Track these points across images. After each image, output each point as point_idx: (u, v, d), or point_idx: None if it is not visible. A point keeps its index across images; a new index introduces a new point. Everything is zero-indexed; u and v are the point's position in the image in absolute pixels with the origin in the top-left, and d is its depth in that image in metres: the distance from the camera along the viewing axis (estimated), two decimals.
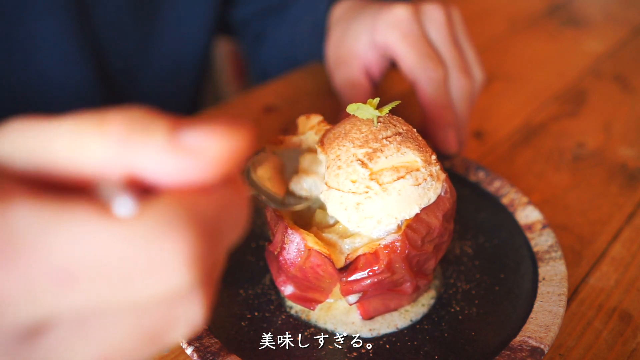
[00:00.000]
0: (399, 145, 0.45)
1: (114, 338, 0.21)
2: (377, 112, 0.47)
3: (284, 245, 0.45)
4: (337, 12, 0.75)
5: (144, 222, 0.20)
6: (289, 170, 0.48)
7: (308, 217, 0.50)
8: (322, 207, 0.48)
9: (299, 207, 0.47)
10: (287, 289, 0.47)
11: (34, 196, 0.19)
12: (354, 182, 0.44)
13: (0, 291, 0.19)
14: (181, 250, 0.20)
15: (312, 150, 0.50)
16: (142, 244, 0.20)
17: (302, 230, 0.45)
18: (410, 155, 0.45)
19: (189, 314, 0.22)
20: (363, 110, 0.47)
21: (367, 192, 0.44)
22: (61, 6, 0.72)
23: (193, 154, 0.21)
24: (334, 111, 0.77)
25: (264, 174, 0.46)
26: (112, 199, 0.20)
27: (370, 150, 0.45)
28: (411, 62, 0.63)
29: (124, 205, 0.20)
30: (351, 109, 0.48)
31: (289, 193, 0.47)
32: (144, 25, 0.83)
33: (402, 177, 0.44)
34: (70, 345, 0.20)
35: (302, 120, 0.53)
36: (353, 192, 0.44)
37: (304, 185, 0.47)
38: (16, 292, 0.19)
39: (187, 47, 0.90)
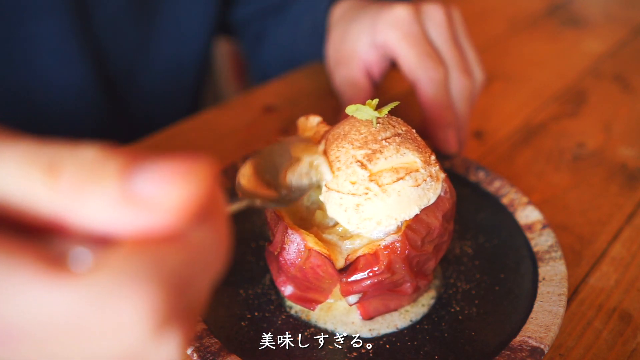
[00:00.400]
0: (398, 146, 0.45)
1: None
2: (376, 113, 0.47)
3: (284, 246, 0.45)
4: (337, 12, 0.75)
5: (99, 278, 0.18)
6: (283, 164, 0.47)
7: (308, 218, 0.50)
8: (322, 207, 0.48)
9: (302, 196, 0.46)
10: (287, 289, 0.47)
11: None
12: (353, 183, 0.44)
13: None
14: (140, 308, 0.19)
15: (303, 140, 0.50)
16: (96, 302, 0.18)
17: (302, 230, 0.45)
18: (409, 156, 0.45)
19: (163, 356, 0.20)
20: (362, 112, 0.47)
21: (366, 194, 0.44)
22: (61, 7, 0.72)
23: (148, 205, 0.19)
24: (334, 111, 0.77)
25: (243, 179, 0.44)
26: (66, 251, 0.19)
27: (369, 152, 0.45)
28: (411, 62, 0.63)
29: (79, 258, 0.19)
30: (350, 110, 0.47)
31: (288, 187, 0.46)
32: (143, 25, 0.83)
33: (402, 178, 0.44)
34: None
35: (301, 122, 0.53)
36: (352, 194, 0.44)
37: (302, 172, 0.46)
38: None
39: (187, 47, 0.90)
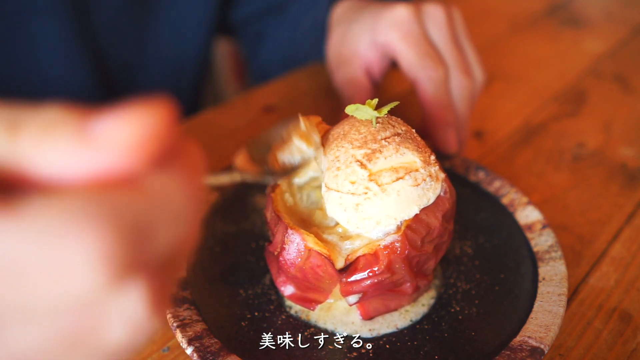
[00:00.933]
0: (397, 146, 0.45)
1: (29, 342, 0.19)
2: (375, 113, 0.47)
3: (284, 246, 0.45)
4: (338, 12, 0.76)
5: (46, 216, 0.18)
6: (275, 144, 0.47)
7: (309, 218, 0.50)
8: (322, 208, 0.48)
9: (294, 171, 0.46)
10: (287, 290, 0.47)
11: None
12: (353, 183, 0.44)
13: None
14: (91, 251, 0.18)
15: (292, 124, 0.49)
16: (41, 240, 0.17)
17: (302, 230, 0.45)
18: (409, 156, 0.45)
19: (125, 312, 0.20)
20: (362, 111, 0.47)
21: (366, 193, 0.44)
22: (60, 7, 0.72)
23: (102, 144, 0.19)
24: (334, 111, 0.77)
25: (237, 160, 0.44)
26: (17, 195, 0.18)
27: (369, 151, 0.45)
28: (412, 61, 0.63)
29: (30, 201, 0.18)
30: (350, 109, 0.47)
31: (279, 163, 0.45)
32: (142, 25, 0.83)
33: (401, 178, 0.44)
34: None
35: (301, 122, 0.53)
36: (352, 193, 0.44)
37: (295, 148, 0.45)
38: None
39: (186, 47, 0.90)
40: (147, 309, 0.20)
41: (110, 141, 0.19)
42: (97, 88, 0.81)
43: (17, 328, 0.19)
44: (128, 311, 0.20)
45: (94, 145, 0.19)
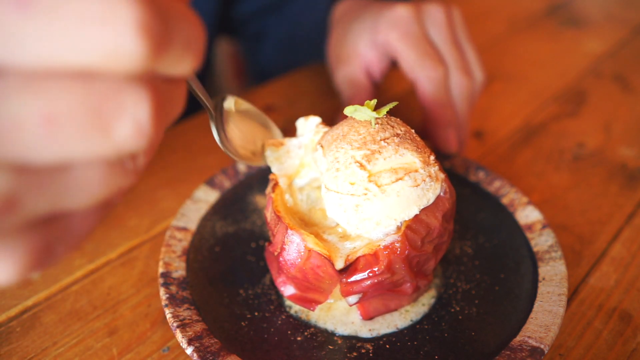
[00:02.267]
0: (397, 147, 0.45)
1: (60, 101, 0.20)
2: (374, 114, 0.47)
3: (284, 246, 0.45)
4: (339, 11, 0.76)
5: None
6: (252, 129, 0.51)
7: (309, 219, 0.49)
8: (322, 208, 0.48)
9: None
10: (287, 290, 0.47)
11: None
12: (352, 184, 0.44)
13: None
14: (133, 16, 0.20)
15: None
16: None
17: (303, 231, 0.45)
18: (408, 157, 0.45)
19: (135, 107, 0.22)
20: (360, 112, 0.47)
21: (365, 194, 0.44)
22: None
23: None
24: (334, 111, 0.77)
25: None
26: None
27: (368, 152, 0.45)
28: (412, 61, 0.63)
29: None
30: (349, 110, 0.47)
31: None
32: None
33: (401, 179, 0.44)
34: (15, 99, 0.20)
35: (300, 123, 0.53)
36: (352, 194, 0.44)
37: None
38: None
39: None
40: (150, 119, 0.22)
41: None
42: None
43: (54, 83, 0.20)
44: (137, 112, 0.22)
45: None
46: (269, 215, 0.48)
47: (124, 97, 0.21)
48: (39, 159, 0.21)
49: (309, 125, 0.53)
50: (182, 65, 0.24)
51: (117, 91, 0.21)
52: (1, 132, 0.20)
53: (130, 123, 0.22)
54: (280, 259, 0.46)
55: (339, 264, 0.45)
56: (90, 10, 0.20)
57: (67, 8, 0.19)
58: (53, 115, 0.20)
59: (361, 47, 0.68)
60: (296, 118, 0.55)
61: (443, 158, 0.64)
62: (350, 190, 0.44)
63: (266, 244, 0.50)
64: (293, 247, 0.45)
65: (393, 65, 0.70)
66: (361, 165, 0.44)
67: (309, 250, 0.44)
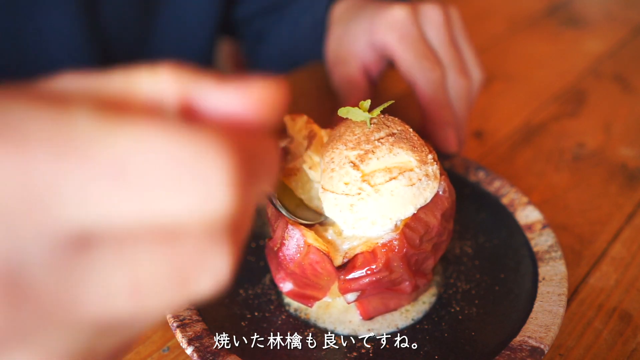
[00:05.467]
0: (391, 146, 0.45)
1: (147, 267, 0.20)
2: (368, 115, 0.47)
3: (284, 241, 0.45)
4: (337, 11, 0.76)
5: (195, 137, 0.20)
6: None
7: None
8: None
9: (310, 222, 0.48)
10: (286, 286, 0.47)
11: (94, 103, 0.19)
12: (346, 184, 0.45)
13: (51, 187, 0.18)
14: (224, 171, 0.20)
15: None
16: (191, 153, 0.19)
17: (302, 226, 0.45)
18: (403, 156, 0.45)
19: (216, 263, 0.21)
20: (354, 113, 0.47)
21: (359, 194, 0.44)
22: (70, 1, 0.73)
23: (239, 89, 0.22)
24: (334, 111, 0.77)
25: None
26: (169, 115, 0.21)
27: (361, 152, 0.45)
28: (409, 62, 0.63)
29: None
30: (342, 112, 0.48)
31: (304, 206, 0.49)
32: (148, 21, 0.84)
33: (395, 178, 0.44)
34: (109, 268, 0.20)
35: (288, 122, 0.53)
36: (346, 194, 0.44)
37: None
38: (68, 188, 0.18)
39: (190, 44, 0.90)
40: (227, 270, 0.22)
41: (246, 90, 0.23)
42: None
43: (141, 248, 0.20)
44: (218, 264, 0.21)
45: (233, 89, 0.22)
46: (269, 211, 0.49)
47: (206, 256, 0.21)
48: (117, 317, 0.20)
49: (298, 125, 0.52)
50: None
51: (200, 250, 0.21)
52: (90, 298, 0.19)
53: (209, 278, 0.21)
54: (280, 254, 0.46)
55: (338, 261, 0.45)
56: (182, 172, 0.19)
57: (158, 173, 0.19)
58: (140, 282, 0.20)
59: (358, 48, 0.68)
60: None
61: (443, 158, 0.64)
62: (344, 190, 0.45)
63: (267, 240, 0.50)
64: (293, 242, 0.45)
65: (390, 66, 0.70)
66: (355, 165, 0.45)
67: (309, 246, 0.44)
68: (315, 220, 0.48)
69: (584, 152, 0.75)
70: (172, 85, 0.22)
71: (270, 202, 0.46)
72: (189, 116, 0.22)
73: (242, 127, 0.22)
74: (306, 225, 0.46)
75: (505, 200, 0.59)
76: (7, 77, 0.75)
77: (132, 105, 0.21)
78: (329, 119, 0.56)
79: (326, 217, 0.48)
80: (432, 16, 0.66)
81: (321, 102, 0.82)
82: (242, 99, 0.23)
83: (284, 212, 0.46)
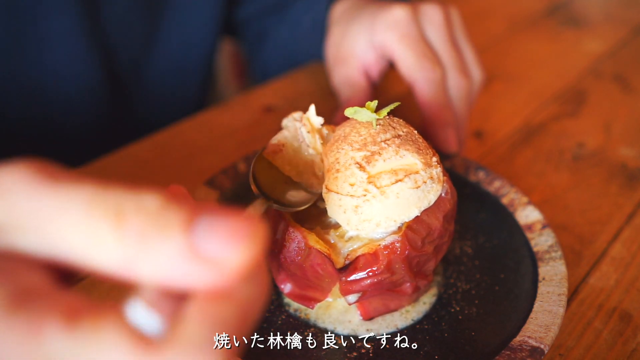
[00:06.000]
0: (397, 148, 0.45)
1: None
2: (375, 116, 0.47)
3: (285, 243, 0.45)
4: (337, 11, 0.76)
5: (172, 350, 0.20)
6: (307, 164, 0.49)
7: (311, 218, 0.50)
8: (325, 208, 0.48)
9: (303, 206, 0.47)
10: (287, 287, 0.47)
11: (65, 320, 0.19)
12: (352, 185, 0.44)
13: None
14: None
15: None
16: None
17: (304, 228, 0.45)
18: (409, 158, 0.45)
19: None
20: (361, 114, 0.47)
21: (365, 196, 0.44)
22: (72, 5, 0.73)
23: (211, 263, 0.21)
24: (334, 111, 0.77)
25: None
26: (138, 315, 0.20)
27: (368, 154, 0.45)
28: (409, 63, 0.63)
29: (150, 323, 0.20)
30: (349, 112, 0.48)
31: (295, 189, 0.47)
32: (151, 23, 0.84)
33: (401, 180, 0.44)
34: None
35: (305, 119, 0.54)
36: (351, 196, 0.44)
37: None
38: None
39: (193, 46, 0.90)
40: None
41: (218, 262, 0.21)
42: (104, 84, 0.81)
43: None
44: None
45: (203, 262, 0.21)
46: (271, 212, 0.48)
47: None
48: None
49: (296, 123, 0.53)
50: None
51: None
52: None
53: None
54: (281, 256, 0.46)
55: (339, 263, 0.45)
56: None
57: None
58: None
59: (358, 48, 0.68)
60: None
61: (443, 158, 0.64)
62: (349, 191, 0.44)
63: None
64: (294, 244, 0.45)
65: (391, 66, 0.70)
66: (361, 167, 0.44)
67: (310, 248, 0.44)
68: (308, 202, 0.47)
69: (584, 152, 0.75)
70: (134, 258, 0.21)
71: (262, 201, 0.45)
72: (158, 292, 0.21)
73: (222, 291, 0.22)
74: (298, 211, 0.46)
75: (505, 200, 0.59)
76: (6, 83, 0.75)
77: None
78: (329, 119, 0.55)
79: (318, 198, 0.48)
80: (432, 16, 0.66)
81: (321, 102, 0.82)
82: (214, 271, 0.21)
83: (276, 206, 0.45)
